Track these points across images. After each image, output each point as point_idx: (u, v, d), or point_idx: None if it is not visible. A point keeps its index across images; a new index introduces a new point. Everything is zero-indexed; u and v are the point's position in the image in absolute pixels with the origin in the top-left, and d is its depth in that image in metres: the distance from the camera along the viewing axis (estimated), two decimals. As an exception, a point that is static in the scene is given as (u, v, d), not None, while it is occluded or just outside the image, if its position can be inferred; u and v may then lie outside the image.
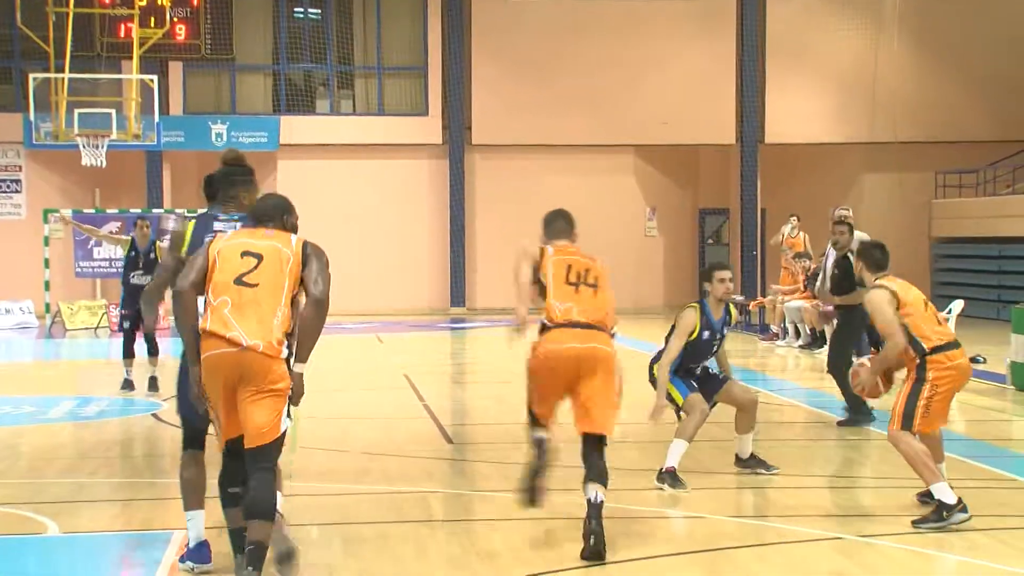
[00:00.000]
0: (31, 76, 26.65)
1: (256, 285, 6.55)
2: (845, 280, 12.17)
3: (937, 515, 7.88)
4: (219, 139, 29.65)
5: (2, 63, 29.78)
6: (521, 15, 30.84)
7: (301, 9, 31.41)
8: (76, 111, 25.92)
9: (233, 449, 6.56)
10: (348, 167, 30.73)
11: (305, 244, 6.86)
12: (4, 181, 29.56)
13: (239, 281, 6.52)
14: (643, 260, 31.71)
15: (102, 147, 25.78)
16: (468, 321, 28.39)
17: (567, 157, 31.16)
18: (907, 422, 8.08)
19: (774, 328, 21.54)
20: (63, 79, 26.28)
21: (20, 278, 28.53)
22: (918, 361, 8.13)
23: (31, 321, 26.75)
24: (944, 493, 7.91)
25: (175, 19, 28.34)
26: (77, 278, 27.08)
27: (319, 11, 31.31)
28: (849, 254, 12.14)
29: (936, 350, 8.11)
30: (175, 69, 29.94)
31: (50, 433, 12.20)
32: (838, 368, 12.05)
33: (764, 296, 24.58)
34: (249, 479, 6.42)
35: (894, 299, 8.18)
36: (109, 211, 27.32)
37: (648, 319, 28.70)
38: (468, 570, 7.04)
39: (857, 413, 12.07)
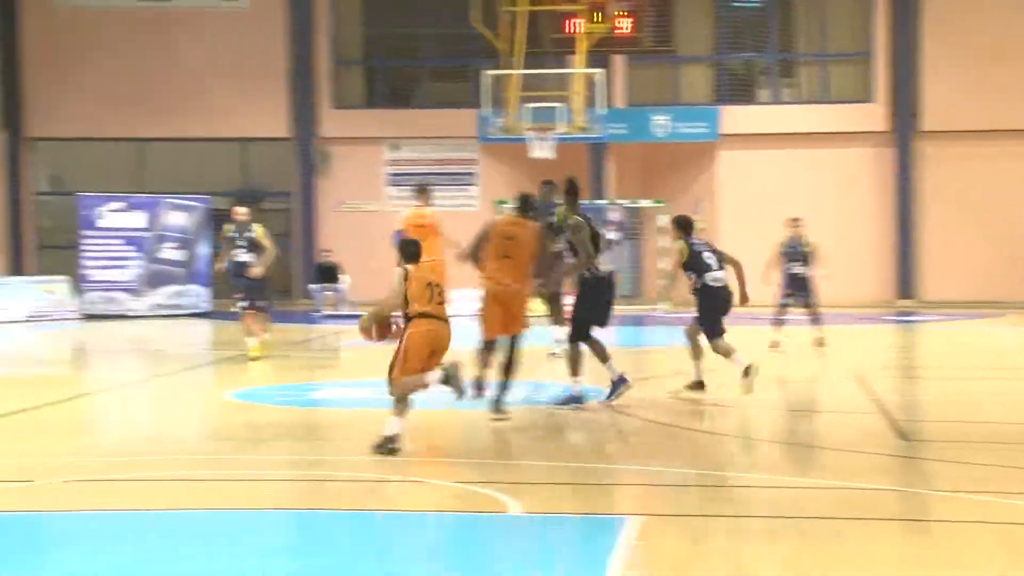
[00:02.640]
0: (485, 73, 27.93)
1: None
2: None
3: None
4: (661, 130, 29.99)
5: (458, 62, 31.37)
6: (978, -6, 29.38)
7: (742, -2, 31.28)
8: (526, 105, 26.95)
9: None
10: (789, 156, 30.32)
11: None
12: (460, 174, 31.13)
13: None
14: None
15: (550, 140, 26.67)
16: (918, 314, 27.36)
17: (1028, 142, 29.38)
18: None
19: None
20: (514, 75, 27.37)
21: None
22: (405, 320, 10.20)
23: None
24: (392, 427, 9.94)
25: (619, 13, 28.88)
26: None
27: (760, -1, 31.06)
28: None
29: (418, 316, 10.10)
30: (618, 62, 30.52)
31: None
32: None
33: None
34: None
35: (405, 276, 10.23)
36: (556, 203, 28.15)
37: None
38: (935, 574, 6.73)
39: None
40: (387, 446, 9.94)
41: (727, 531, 7.62)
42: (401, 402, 10.08)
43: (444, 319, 10.42)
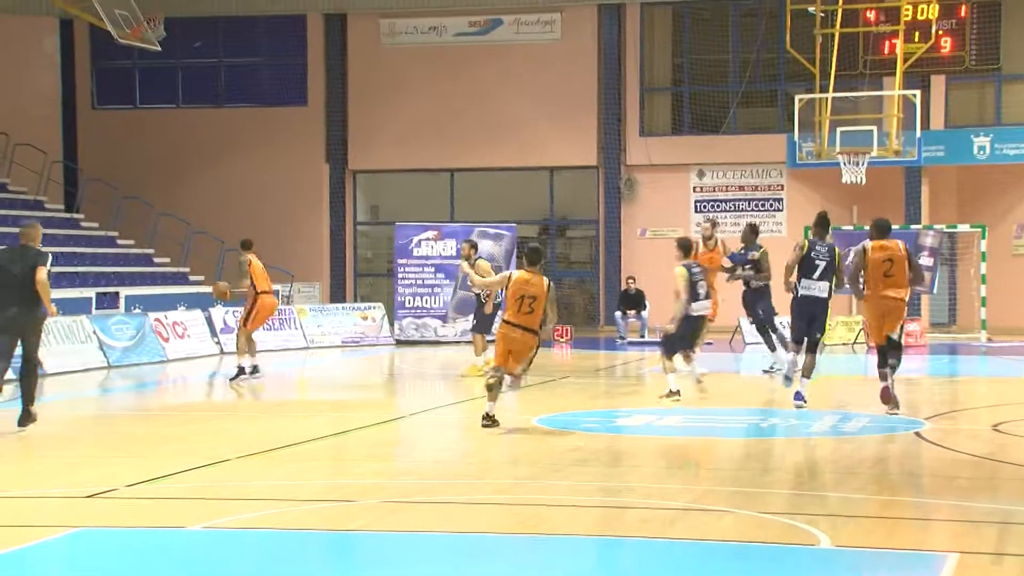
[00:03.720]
0: (796, 97, 27.47)
1: None
2: None
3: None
4: (982, 152, 28.79)
5: (768, 86, 30.97)
6: None
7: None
8: (838, 129, 26.35)
9: None
10: None
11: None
12: (767, 200, 30.68)
13: None
14: None
15: (862, 164, 25.99)
16: None
17: None
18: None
19: None
20: (826, 99, 26.81)
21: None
22: None
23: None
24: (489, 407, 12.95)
25: (940, 32, 27.89)
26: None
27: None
28: None
29: (506, 322, 12.80)
30: (937, 82, 29.46)
31: (811, 447, 12.38)
32: None
33: None
34: None
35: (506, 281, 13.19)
36: (867, 228, 27.37)
37: None
38: None
39: None
40: (485, 422, 12.63)
41: (1055, 574, 7.15)
42: (491, 388, 12.71)
43: (527, 328, 12.56)
